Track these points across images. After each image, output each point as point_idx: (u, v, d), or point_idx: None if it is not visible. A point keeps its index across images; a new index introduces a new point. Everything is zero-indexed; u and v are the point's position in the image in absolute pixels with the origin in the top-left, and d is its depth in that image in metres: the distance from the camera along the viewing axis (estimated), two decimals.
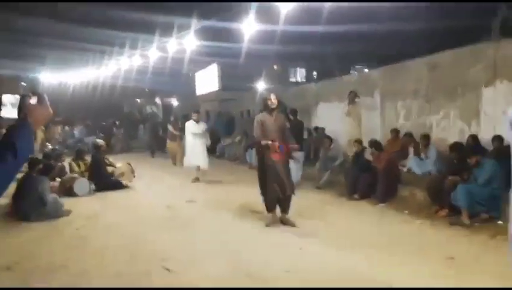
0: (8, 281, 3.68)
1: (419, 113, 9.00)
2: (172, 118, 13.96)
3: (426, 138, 7.54)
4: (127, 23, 10.22)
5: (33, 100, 1.41)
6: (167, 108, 28.83)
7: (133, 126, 21.37)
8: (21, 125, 1.39)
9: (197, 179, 9.10)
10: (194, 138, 9.08)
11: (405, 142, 8.36)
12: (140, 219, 5.95)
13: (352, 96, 9.15)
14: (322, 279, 3.58)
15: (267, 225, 5.32)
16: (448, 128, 8.29)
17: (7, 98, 15.44)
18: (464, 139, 7.21)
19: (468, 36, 7.20)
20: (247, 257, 4.22)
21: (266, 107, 5.52)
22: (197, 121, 9.27)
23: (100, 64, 14.90)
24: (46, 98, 1.42)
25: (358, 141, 7.87)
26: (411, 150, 7.98)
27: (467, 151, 5.62)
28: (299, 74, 28.50)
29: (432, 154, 7.35)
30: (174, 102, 28.88)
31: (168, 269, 3.86)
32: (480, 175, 5.21)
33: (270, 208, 5.41)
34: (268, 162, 5.26)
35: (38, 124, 1.43)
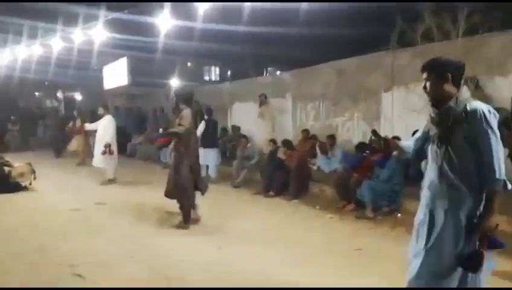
0: None
1: (327, 115, 9.62)
2: (75, 113, 12.91)
3: (332, 138, 8.08)
4: (28, 10, 9.25)
5: None
6: (70, 102, 26.72)
7: (31, 122, 19.40)
8: None
9: (109, 181, 8.60)
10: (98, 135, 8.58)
11: (313, 142, 8.89)
12: (43, 223, 5.44)
13: (263, 98, 9.65)
14: (239, 278, 3.63)
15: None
16: (352, 130, 8.99)
17: None
18: (366, 139, 7.90)
19: (369, 44, 7.89)
20: (163, 258, 4.11)
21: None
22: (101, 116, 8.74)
23: None
24: None
25: (273, 141, 8.17)
26: (318, 149, 8.52)
27: (371, 150, 6.15)
28: (213, 73, 28.53)
29: (337, 153, 7.90)
30: (78, 96, 26.92)
31: (79, 275, 3.60)
32: (382, 172, 5.75)
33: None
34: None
35: None
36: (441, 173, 2.36)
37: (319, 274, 3.70)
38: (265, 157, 8.41)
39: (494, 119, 2.27)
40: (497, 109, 6.22)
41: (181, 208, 5.25)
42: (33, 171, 7.85)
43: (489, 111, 2.28)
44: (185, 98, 5.47)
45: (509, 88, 6.04)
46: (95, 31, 9.27)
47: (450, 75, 2.37)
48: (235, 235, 4.92)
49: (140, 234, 4.95)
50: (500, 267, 3.72)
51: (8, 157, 8.72)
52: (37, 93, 27.49)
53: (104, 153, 8.29)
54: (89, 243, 4.60)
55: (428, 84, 2.43)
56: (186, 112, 5.22)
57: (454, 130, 2.32)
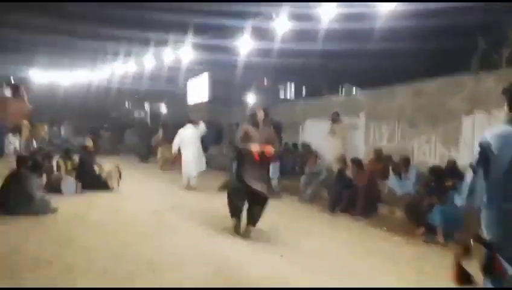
0: None
1: (403, 136, 9.36)
2: (161, 127, 14.06)
3: (406, 160, 7.85)
4: (125, 32, 10.40)
5: (7, 92, 1.20)
6: (155, 114, 28.85)
7: (120, 130, 21.38)
8: None
9: (189, 187, 9.23)
10: (191, 144, 9.27)
11: (386, 163, 8.68)
12: (126, 221, 6.04)
13: (335, 116, 9.67)
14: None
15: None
16: (429, 153, 8.65)
17: None
18: (443, 163, 7.57)
19: (449, 66, 7.61)
20: (230, 260, 4.38)
21: (253, 120, 5.60)
22: (194, 124, 9.56)
23: (93, 67, 14.97)
24: (24, 91, 1.19)
25: (341, 158, 8.17)
26: (391, 170, 8.31)
27: (445, 174, 5.92)
28: (289, 91, 28.90)
29: (412, 176, 7.64)
30: (163, 109, 28.93)
31: (153, 271, 3.99)
32: (455, 197, 5.50)
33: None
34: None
35: (13, 118, 1.28)
36: None
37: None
38: (333, 174, 8.43)
39: None
40: None
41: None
42: (120, 173, 8.71)
43: None
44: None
45: None
46: (183, 51, 10.16)
47: None
48: (295, 249, 5.02)
49: (210, 239, 5.28)
50: None
51: (99, 160, 9.75)
52: (127, 105, 30.11)
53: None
54: (163, 243, 5.02)
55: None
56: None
57: None
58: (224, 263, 4.32)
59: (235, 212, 5.44)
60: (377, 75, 13.05)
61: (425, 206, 5.74)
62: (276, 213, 5.63)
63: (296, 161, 11.01)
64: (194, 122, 9.52)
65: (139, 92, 25.02)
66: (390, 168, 8.30)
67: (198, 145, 9.40)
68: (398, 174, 7.98)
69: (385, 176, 8.40)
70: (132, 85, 17.36)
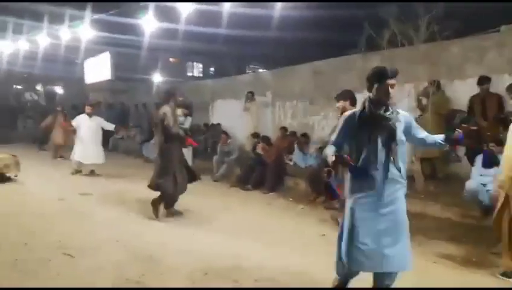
0: None
1: (304, 114, 10.11)
2: (59, 108, 13.05)
3: (306, 136, 8.58)
4: (17, 8, 9.43)
5: None
6: (50, 96, 26.55)
7: (10, 115, 19.34)
8: None
9: (78, 172, 8.94)
10: (88, 133, 8.86)
11: (291, 139, 9.38)
12: (33, 210, 5.74)
13: (250, 95, 10.08)
14: (213, 261, 4.06)
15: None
16: (327, 128, 9.49)
17: None
18: None
19: (341, 47, 8.43)
20: (145, 242, 4.50)
21: (174, 101, 5.63)
22: (90, 115, 9.04)
23: None
24: None
25: (255, 135, 8.63)
26: (296, 146, 9.02)
27: None
28: (196, 69, 28.73)
29: (312, 150, 8.40)
30: (59, 90, 26.75)
31: (70, 255, 3.96)
32: None
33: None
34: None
35: None
36: None
37: (286, 256, 4.15)
38: (245, 153, 8.88)
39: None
40: (456, 111, 6.86)
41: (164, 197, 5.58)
42: (18, 163, 8.07)
43: None
44: (167, 95, 5.77)
45: (467, 92, 6.60)
46: (81, 29, 9.53)
47: None
48: (211, 224, 5.34)
49: (124, 222, 5.32)
50: (445, 251, 4.28)
51: None
52: (16, 87, 27.17)
53: None
54: (77, 228, 4.94)
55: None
56: (167, 109, 5.51)
57: None
58: (142, 243, 4.43)
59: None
60: (280, 57, 13.72)
61: (324, 177, 6.40)
62: (191, 194, 5.85)
63: (207, 141, 11.23)
64: (90, 115, 9.03)
65: (30, 73, 22.74)
66: (296, 143, 9.02)
67: (95, 136, 9.02)
68: (302, 149, 8.71)
69: (291, 152, 9.12)
70: (23, 66, 15.74)
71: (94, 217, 5.54)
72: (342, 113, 3.29)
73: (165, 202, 5.56)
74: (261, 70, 22.59)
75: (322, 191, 6.56)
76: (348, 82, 8.83)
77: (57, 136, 11.93)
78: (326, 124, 9.48)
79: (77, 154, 8.95)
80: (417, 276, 3.25)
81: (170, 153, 5.44)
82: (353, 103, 4.17)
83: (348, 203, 2.89)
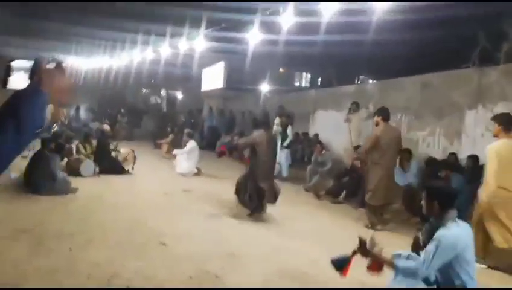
0: (25, 242, 4.25)
1: (408, 128, 9.58)
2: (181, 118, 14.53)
3: (408, 152, 8.11)
4: (143, 18, 10.84)
5: (50, 65, 1.20)
6: (171, 100, 29.41)
7: (137, 115, 21.98)
8: (33, 91, 1.14)
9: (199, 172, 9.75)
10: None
11: None
12: (140, 201, 6.52)
13: (354, 107, 9.86)
14: (293, 263, 4.15)
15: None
16: (433, 145, 8.87)
17: (19, 63, 15.62)
18: (445, 155, 7.83)
19: (452, 60, 7.81)
20: (233, 238, 4.81)
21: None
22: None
23: (112, 54, 15.48)
24: (66, 67, 1.22)
25: (357, 148, 8.44)
26: (397, 162, 8.58)
27: (439, 166, 6.19)
28: (304, 79, 29.03)
29: (413, 168, 7.92)
30: (179, 95, 29.45)
31: (163, 243, 4.45)
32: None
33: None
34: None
35: (56, 93, 1.20)
36: None
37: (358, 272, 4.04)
38: (339, 164, 8.76)
39: None
40: None
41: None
42: (135, 158, 9.19)
43: None
44: (259, 121, 6.20)
45: None
46: (197, 41, 10.57)
47: None
48: (294, 231, 5.45)
49: (215, 218, 5.74)
50: None
51: (115, 144, 10.25)
52: (144, 91, 30.72)
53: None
54: (172, 220, 5.49)
55: None
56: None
57: None
58: (227, 240, 4.75)
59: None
60: (389, 69, 13.20)
61: (421, 196, 6.02)
62: (282, 201, 6.09)
63: (304, 150, 11.36)
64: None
65: (156, 78, 25.53)
66: (397, 159, 8.58)
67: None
68: (403, 166, 8.26)
69: None
70: (149, 72, 17.86)
71: (191, 211, 6.07)
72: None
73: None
74: (370, 81, 21.93)
75: (417, 211, 6.16)
76: (459, 97, 8.17)
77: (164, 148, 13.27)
78: (432, 141, 8.87)
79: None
80: None
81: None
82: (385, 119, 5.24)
83: None
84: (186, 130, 10.49)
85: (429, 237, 2.76)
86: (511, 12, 5.82)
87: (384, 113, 6.00)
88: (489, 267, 4.46)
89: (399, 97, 9.93)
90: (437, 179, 6.06)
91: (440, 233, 2.67)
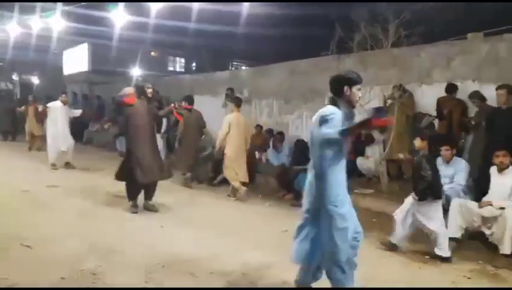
0: None
1: (279, 112, 10.20)
2: (31, 98, 12.79)
3: (281, 134, 8.67)
4: None
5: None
6: (26, 86, 25.97)
7: None
8: None
9: (55, 165, 8.81)
10: (60, 122, 8.81)
11: (266, 137, 9.48)
12: None
13: (229, 92, 10.07)
14: (172, 250, 4.10)
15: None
16: (301, 127, 9.61)
17: None
18: None
19: (314, 49, 8.56)
20: (107, 235, 4.51)
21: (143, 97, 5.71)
22: (64, 103, 9.00)
23: None
24: None
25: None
26: (271, 143, 9.12)
27: (307, 146, 6.74)
28: (178, 64, 28.52)
29: (285, 148, 8.50)
30: (35, 80, 26.19)
31: (28, 246, 3.94)
32: None
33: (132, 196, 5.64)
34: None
35: None
36: None
37: (245, 249, 4.24)
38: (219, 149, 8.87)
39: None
40: (423, 114, 7.06)
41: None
42: None
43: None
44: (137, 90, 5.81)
45: (434, 96, 6.79)
46: (53, 20, 9.40)
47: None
48: (176, 218, 5.37)
49: (89, 215, 5.30)
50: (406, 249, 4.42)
51: None
52: None
53: None
54: (37, 220, 4.90)
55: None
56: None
57: None
58: (103, 236, 4.43)
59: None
60: (261, 56, 13.81)
61: (292, 175, 6.53)
62: (159, 188, 5.91)
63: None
64: (64, 102, 9.06)
65: (5, 61, 22.20)
66: (271, 141, 9.11)
67: (66, 121, 9.00)
68: (276, 147, 8.81)
69: (265, 149, 9.22)
70: None
71: (57, 209, 5.50)
72: None
73: None
74: (243, 67, 22.63)
75: (290, 188, 6.66)
76: (322, 83, 8.98)
77: (31, 127, 11.75)
78: (300, 124, 9.60)
79: (53, 144, 8.86)
80: (367, 266, 3.37)
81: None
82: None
83: None
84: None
85: None
86: (361, 7, 6.58)
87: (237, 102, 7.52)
88: None
89: (270, 83, 10.48)
90: (305, 159, 6.60)
91: None
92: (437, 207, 4.19)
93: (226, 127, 6.87)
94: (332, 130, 2.80)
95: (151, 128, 5.77)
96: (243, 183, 6.79)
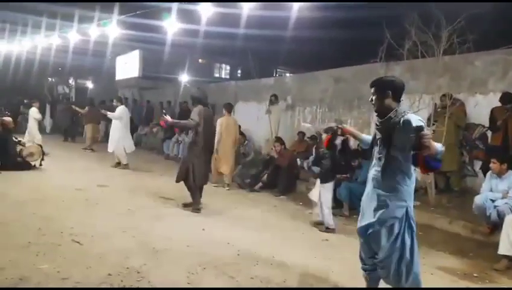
0: None
1: (323, 119, 10.10)
2: (88, 101, 13.61)
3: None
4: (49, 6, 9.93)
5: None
6: (81, 90, 27.48)
7: (43, 106, 20.11)
8: None
9: (118, 164, 9.25)
10: (125, 125, 9.33)
11: (309, 144, 9.40)
12: (50, 198, 6.02)
13: (273, 99, 10.13)
14: (217, 253, 4.16)
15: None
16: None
17: None
18: (355, 145, 8.38)
19: (360, 55, 8.41)
20: (154, 233, 4.66)
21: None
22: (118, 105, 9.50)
23: (14, 38, 13.95)
24: None
25: (277, 139, 8.67)
26: (314, 150, 9.03)
27: (352, 154, 6.63)
28: (224, 71, 29.04)
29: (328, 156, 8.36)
30: (89, 84, 27.63)
31: (78, 242, 4.16)
32: (360, 175, 6.23)
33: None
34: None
35: None
36: (382, 169, 2.87)
37: (281, 253, 4.24)
38: (260, 155, 8.94)
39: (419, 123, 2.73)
40: (476, 126, 6.72)
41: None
42: (42, 153, 8.45)
43: (419, 120, 2.76)
44: (197, 97, 5.99)
45: (488, 106, 6.47)
46: (109, 28, 9.93)
47: (390, 92, 2.87)
48: (217, 221, 5.46)
49: (136, 213, 5.51)
50: (447, 263, 4.23)
51: (20, 138, 9.33)
52: (50, 79, 28.22)
53: None
54: (87, 217, 5.16)
55: (373, 98, 2.94)
56: (196, 109, 5.82)
57: (392, 135, 2.82)
58: (149, 235, 4.59)
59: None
60: (306, 63, 13.75)
61: (334, 183, 6.42)
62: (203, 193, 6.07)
63: None
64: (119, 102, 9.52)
65: (63, 66, 23.60)
66: (314, 148, 9.03)
67: (122, 124, 9.36)
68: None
69: (308, 156, 9.14)
70: (56, 59, 16.40)
71: (107, 207, 5.75)
72: None
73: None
74: (287, 74, 22.65)
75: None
76: (368, 90, 8.80)
77: (91, 129, 12.50)
78: None
79: (127, 145, 9.35)
80: None
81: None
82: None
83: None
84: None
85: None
86: (412, 12, 6.37)
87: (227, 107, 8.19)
88: None
89: (314, 90, 10.42)
90: (350, 167, 6.50)
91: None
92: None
93: (219, 129, 7.64)
94: None
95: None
96: (221, 173, 7.85)
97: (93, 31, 10.38)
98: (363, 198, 3.07)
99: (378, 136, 2.98)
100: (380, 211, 2.86)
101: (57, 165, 8.81)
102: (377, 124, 2.99)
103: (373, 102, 2.97)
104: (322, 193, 5.34)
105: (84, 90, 27.17)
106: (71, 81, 27.78)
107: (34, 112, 10.37)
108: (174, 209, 5.94)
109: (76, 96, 26.00)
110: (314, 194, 5.50)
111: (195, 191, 5.87)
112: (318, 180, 5.48)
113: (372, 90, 2.97)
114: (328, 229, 5.25)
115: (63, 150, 11.65)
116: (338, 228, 5.41)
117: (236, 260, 4.00)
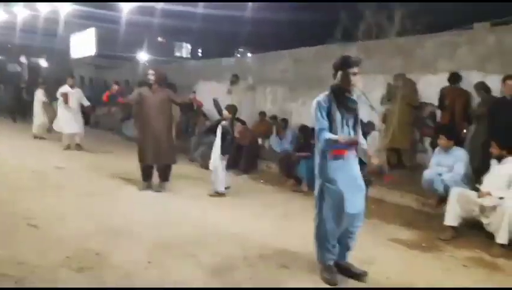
0: None
1: (284, 99, 10.23)
2: (40, 80, 12.92)
3: (284, 121, 8.72)
4: None
5: None
6: (34, 69, 26.08)
7: None
8: None
9: (68, 147, 8.99)
10: (73, 104, 8.99)
11: (270, 124, 9.53)
12: (2, 181, 5.79)
13: (234, 79, 10.10)
14: (177, 232, 4.21)
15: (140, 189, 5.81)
16: (304, 115, 9.63)
17: None
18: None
19: (319, 36, 8.55)
20: (114, 215, 4.63)
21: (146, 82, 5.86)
22: (71, 86, 9.08)
23: None
24: None
25: (239, 119, 8.69)
26: (274, 130, 9.19)
27: (311, 133, 6.80)
28: (185, 50, 28.48)
29: (288, 136, 8.56)
30: (43, 63, 26.28)
31: (34, 225, 4.06)
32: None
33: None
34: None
35: None
36: None
37: (247, 227, 4.37)
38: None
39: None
40: (426, 104, 7.06)
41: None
42: None
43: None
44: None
45: (438, 85, 6.79)
46: (61, 3, 9.44)
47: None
48: (178, 199, 5.51)
49: (94, 194, 5.43)
50: (398, 235, 4.51)
51: None
52: None
53: None
54: (44, 200, 5.03)
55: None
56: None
57: None
58: (105, 216, 4.56)
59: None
60: (267, 43, 13.75)
61: (294, 161, 6.61)
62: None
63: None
64: (72, 85, 9.18)
65: (12, 44, 22.28)
66: (274, 128, 9.17)
67: (77, 105, 9.13)
68: (279, 134, 8.87)
69: (268, 136, 9.29)
70: (3, 37, 15.45)
71: (64, 189, 5.62)
72: None
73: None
74: (249, 54, 22.55)
75: (291, 174, 6.74)
76: (327, 70, 8.97)
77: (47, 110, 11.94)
78: (303, 111, 9.62)
79: (63, 125, 9.02)
80: (366, 254, 3.46)
81: None
82: None
83: None
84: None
85: None
86: None
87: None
88: None
89: (275, 70, 10.49)
90: (309, 146, 6.66)
91: None
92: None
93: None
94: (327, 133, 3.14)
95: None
96: None
97: (43, 5, 9.82)
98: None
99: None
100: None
101: (8, 148, 8.44)
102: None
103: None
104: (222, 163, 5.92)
105: (37, 69, 25.81)
106: (23, 59, 26.28)
107: None
108: (132, 189, 5.89)
109: (29, 75, 24.65)
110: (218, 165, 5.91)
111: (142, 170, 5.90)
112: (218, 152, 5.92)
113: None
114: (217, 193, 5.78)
115: (11, 132, 11.12)
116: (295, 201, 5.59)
117: (196, 238, 4.06)
